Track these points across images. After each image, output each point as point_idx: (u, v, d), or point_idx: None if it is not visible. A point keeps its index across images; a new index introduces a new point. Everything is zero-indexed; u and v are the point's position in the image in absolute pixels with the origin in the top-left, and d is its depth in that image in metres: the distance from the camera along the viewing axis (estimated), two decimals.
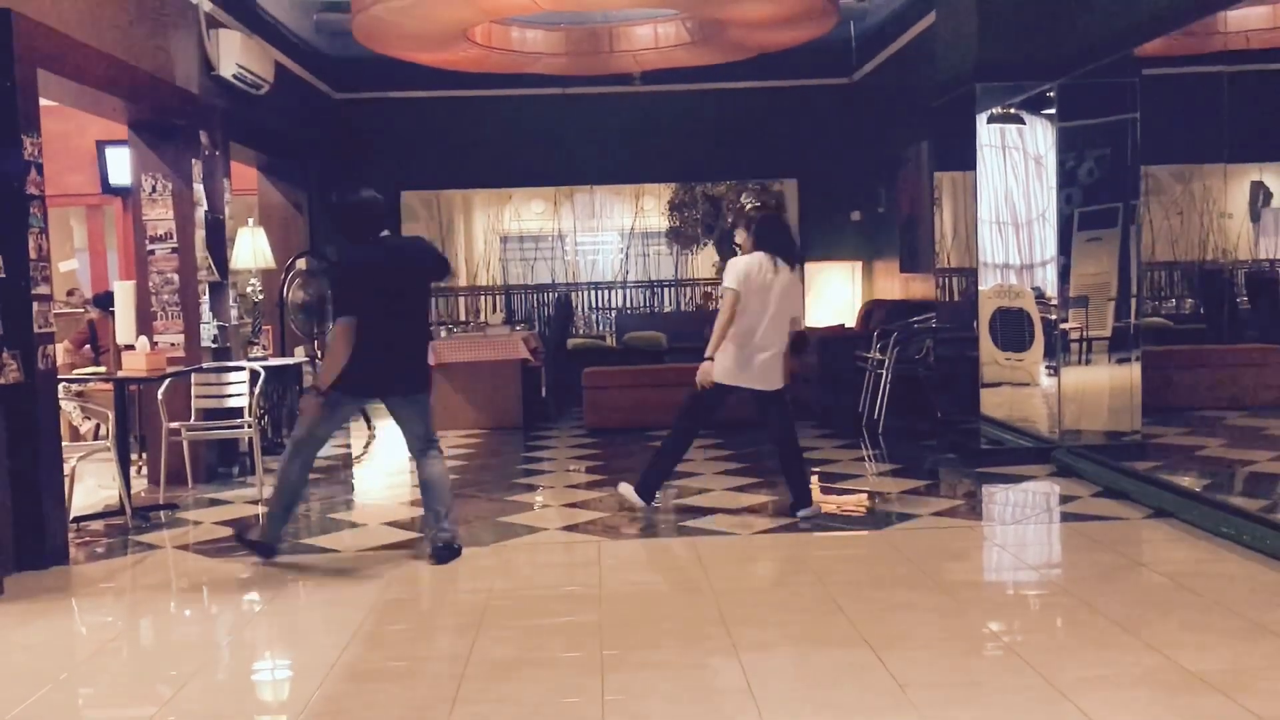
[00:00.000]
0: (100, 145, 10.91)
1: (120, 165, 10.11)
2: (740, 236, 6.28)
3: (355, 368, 5.26)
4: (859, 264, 12.52)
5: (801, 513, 6.04)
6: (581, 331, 12.79)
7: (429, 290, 5.54)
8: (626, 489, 6.34)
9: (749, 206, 6.09)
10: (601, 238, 13.79)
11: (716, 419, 6.52)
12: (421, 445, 5.58)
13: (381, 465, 8.82)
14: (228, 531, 6.17)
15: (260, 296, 8.95)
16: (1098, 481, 6.60)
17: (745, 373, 6.06)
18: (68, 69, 6.04)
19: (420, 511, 6.65)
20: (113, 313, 6.99)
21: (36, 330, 5.46)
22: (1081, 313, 7.79)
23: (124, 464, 6.50)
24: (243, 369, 7.37)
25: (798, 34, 9.65)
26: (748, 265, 6.05)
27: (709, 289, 13.16)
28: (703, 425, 6.44)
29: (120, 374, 6.63)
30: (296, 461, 5.45)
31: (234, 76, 8.32)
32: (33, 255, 5.45)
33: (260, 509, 6.78)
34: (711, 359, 6.03)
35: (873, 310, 11.01)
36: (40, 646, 4.36)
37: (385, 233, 5.59)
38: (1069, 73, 7.44)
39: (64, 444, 6.00)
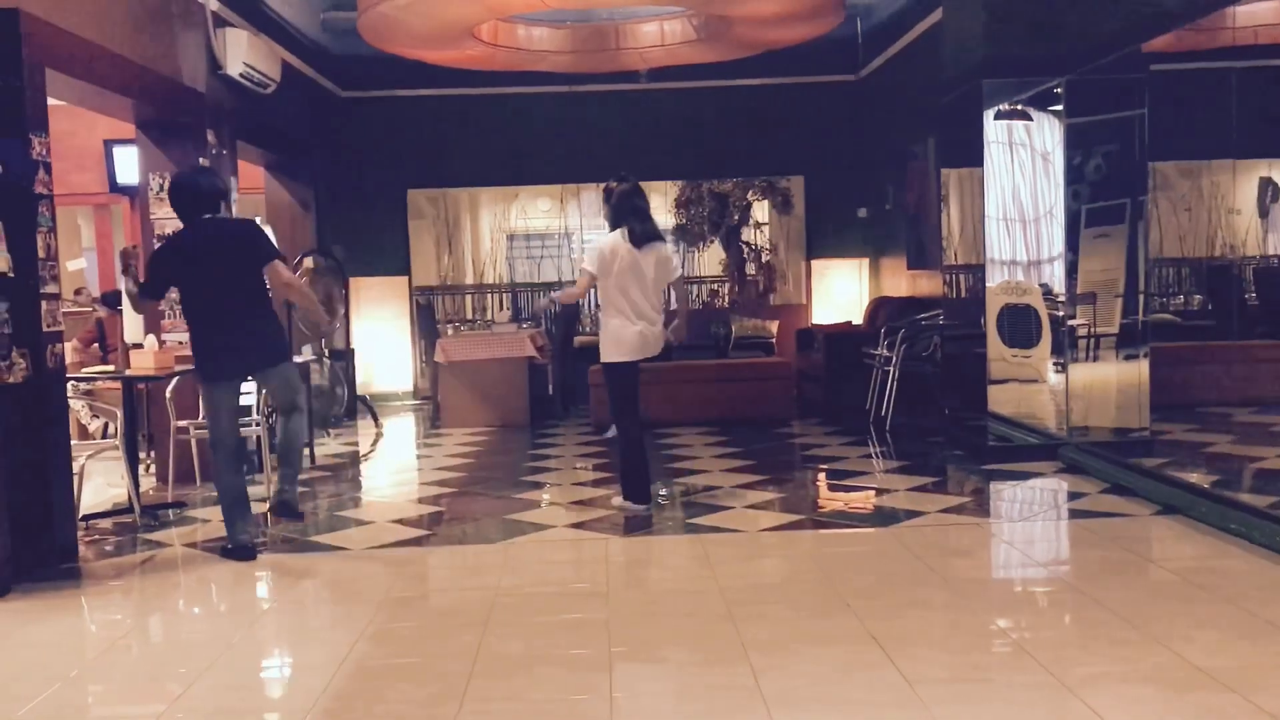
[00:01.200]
0: (108, 144, 10.94)
1: (128, 164, 10.16)
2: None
3: (201, 352, 5.54)
4: (866, 261, 12.51)
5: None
6: (588, 329, 12.79)
7: (254, 271, 5.62)
8: (620, 502, 6.38)
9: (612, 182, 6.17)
10: (607, 235, 13.79)
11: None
12: (286, 408, 5.76)
13: (389, 463, 8.83)
14: None
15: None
16: (1106, 478, 6.59)
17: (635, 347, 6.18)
18: (75, 68, 6.05)
19: (425, 510, 6.67)
20: (120, 311, 7.00)
21: (45, 329, 5.48)
22: (1089, 309, 7.78)
23: (132, 462, 6.51)
24: None
25: (804, 31, 9.64)
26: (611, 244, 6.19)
27: (716, 286, 13.16)
28: (636, 410, 6.37)
29: (128, 372, 6.64)
30: (218, 460, 5.63)
31: (241, 75, 8.33)
32: (41, 254, 5.47)
33: (266, 507, 6.80)
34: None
35: (880, 307, 11.00)
36: (50, 644, 4.38)
37: (208, 215, 5.65)
38: (1076, 68, 7.42)
39: (72, 442, 6.02)
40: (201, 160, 5.84)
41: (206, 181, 5.70)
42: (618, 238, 6.19)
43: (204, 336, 5.52)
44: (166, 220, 7.63)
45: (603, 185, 6.39)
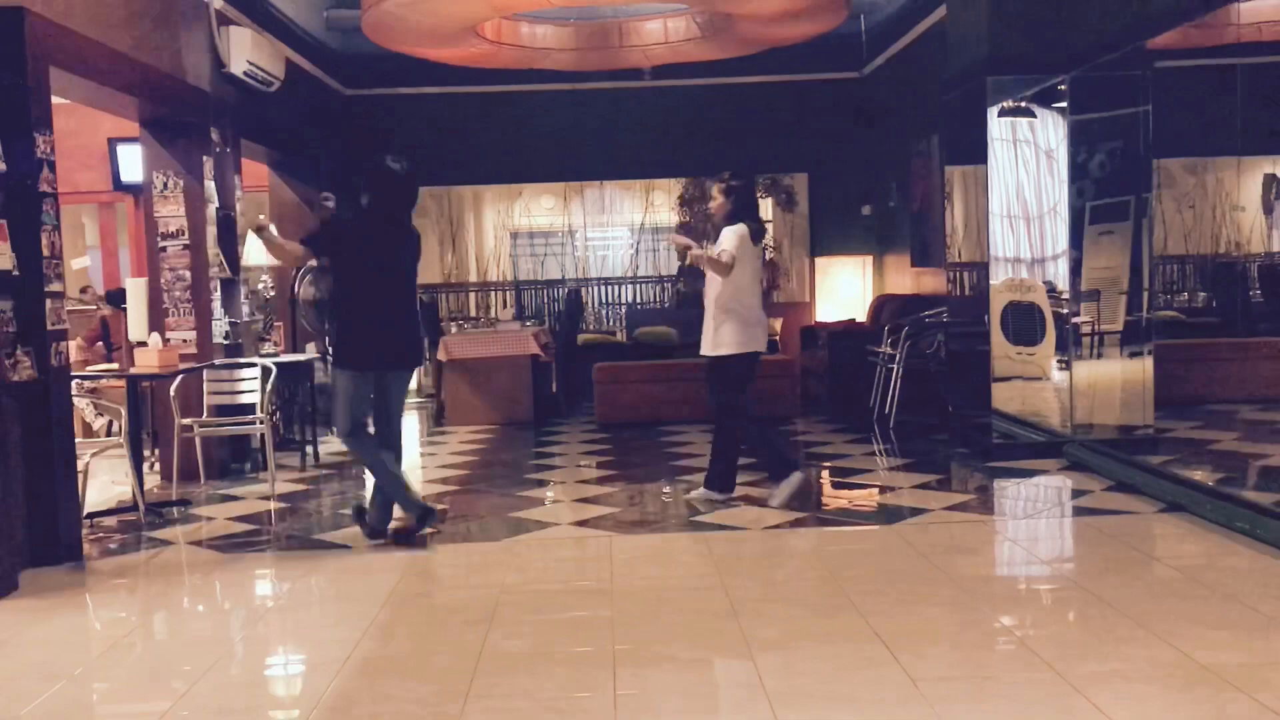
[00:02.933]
0: (112, 142, 10.94)
1: (132, 162, 10.15)
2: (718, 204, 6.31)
3: (353, 339, 5.56)
4: (870, 258, 12.50)
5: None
6: (592, 327, 12.79)
7: (413, 274, 5.83)
8: (700, 493, 6.38)
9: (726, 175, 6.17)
10: (612, 233, 13.78)
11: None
12: (393, 414, 5.78)
13: None
14: (241, 527, 6.20)
15: (272, 293, 8.97)
16: (1110, 476, 6.59)
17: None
18: (79, 67, 6.06)
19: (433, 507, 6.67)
20: (125, 309, 7.01)
21: (49, 327, 5.48)
22: (1093, 306, 7.77)
23: (137, 460, 6.52)
24: (255, 365, 7.39)
25: (808, 28, 9.63)
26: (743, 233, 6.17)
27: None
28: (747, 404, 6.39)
29: (133, 370, 6.65)
30: (356, 448, 5.66)
31: (245, 73, 8.33)
32: (45, 253, 5.47)
33: (271, 505, 6.81)
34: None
35: (884, 305, 11.00)
36: (55, 642, 4.38)
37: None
38: (1081, 65, 7.41)
39: (77, 440, 6.03)
40: (393, 163, 5.76)
41: (409, 183, 5.75)
42: (744, 230, 6.16)
43: (364, 327, 5.50)
44: (171, 218, 7.65)
45: (719, 177, 6.35)
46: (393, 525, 5.72)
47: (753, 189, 6.46)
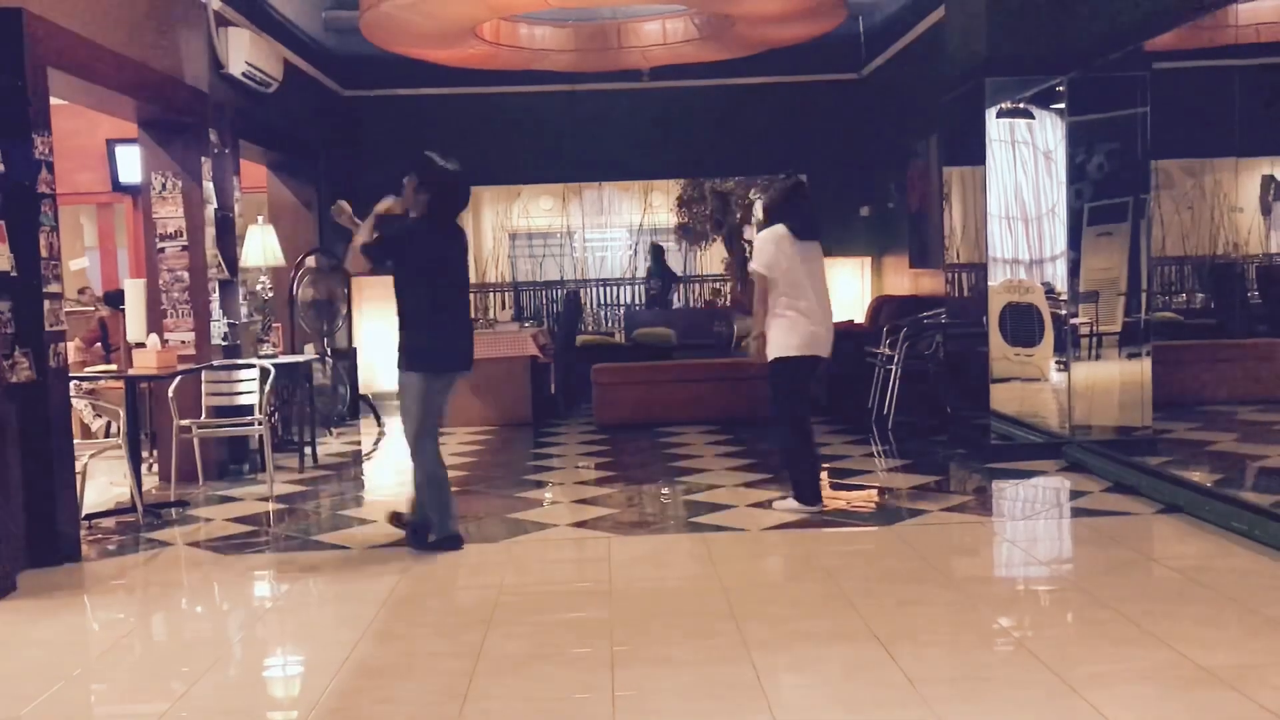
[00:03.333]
0: (110, 143, 10.94)
1: (130, 163, 10.15)
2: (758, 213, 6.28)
3: (426, 344, 5.57)
4: (868, 259, 12.50)
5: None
6: (590, 328, 12.80)
7: (468, 279, 5.91)
8: (786, 504, 6.16)
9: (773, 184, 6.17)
10: (610, 234, 13.80)
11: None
12: (439, 419, 5.76)
13: (391, 462, 8.84)
14: (239, 528, 6.20)
15: (270, 294, 8.97)
16: (1108, 476, 6.59)
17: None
18: (78, 68, 6.06)
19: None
20: (123, 310, 7.02)
21: (48, 328, 5.48)
22: (1092, 308, 7.77)
23: (135, 461, 6.52)
24: (253, 366, 7.39)
25: (806, 29, 9.64)
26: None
27: (718, 285, 13.16)
28: (803, 410, 6.25)
29: (131, 372, 6.65)
30: (425, 451, 5.59)
31: (243, 74, 8.34)
32: (43, 253, 5.47)
33: (270, 506, 6.81)
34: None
35: (882, 306, 11.00)
36: (53, 643, 4.38)
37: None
38: (1079, 67, 7.41)
39: (75, 441, 6.02)
40: (447, 163, 5.80)
41: (467, 185, 5.80)
42: (778, 231, 6.09)
43: (436, 329, 5.52)
44: (169, 219, 7.65)
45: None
46: (408, 516, 5.68)
47: (792, 188, 6.32)
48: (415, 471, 5.60)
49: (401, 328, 5.58)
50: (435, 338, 5.53)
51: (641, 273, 13.37)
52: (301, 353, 9.28)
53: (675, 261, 13.49)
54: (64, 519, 5.53)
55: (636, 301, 13.25)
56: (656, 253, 13.00)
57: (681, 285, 13.50)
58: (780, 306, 6.04)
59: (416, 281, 5.54)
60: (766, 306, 6.06)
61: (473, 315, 5.53)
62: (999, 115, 8.45)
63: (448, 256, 5.62)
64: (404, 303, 5.58)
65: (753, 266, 6.10)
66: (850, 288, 12.55)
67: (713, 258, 13.32)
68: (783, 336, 6.03)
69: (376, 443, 9.64)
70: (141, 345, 6.77)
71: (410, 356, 5.53)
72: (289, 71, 9.40)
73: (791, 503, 6.13)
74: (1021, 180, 8.49)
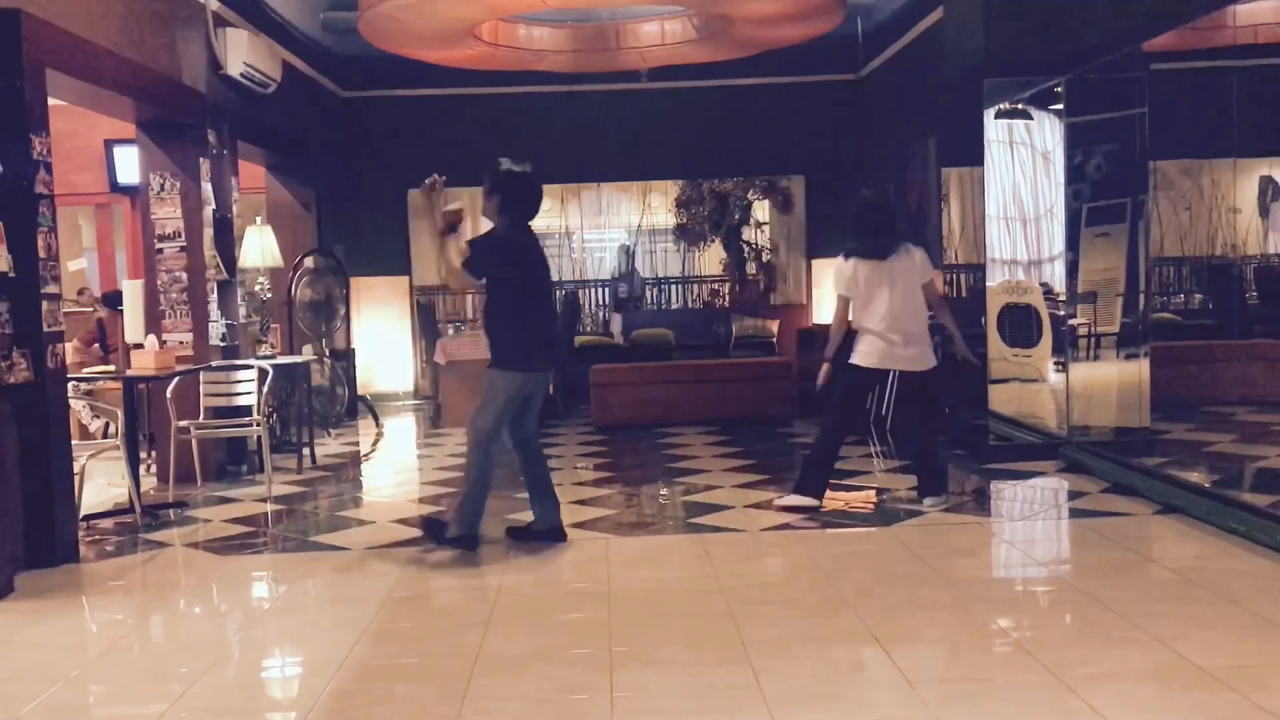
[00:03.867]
0: (108, 144, 10.94)
1: (128, 164, 10.15)
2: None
3: (519, 344, 5.61)
4: (831, 334, 12.48)
5: (927, 500, 6.16)
6: (589, 329, 12.80)
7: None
8: (786, 500, 6.21)
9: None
10: (608, 235, 13.79)
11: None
12: (536, 414, 5.84)
13: (390, 463, 8.84)
14: (238, 529, 6.19)
15: (268, 295, 8.97)
16: (1106, 477, 6.59)
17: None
18: (76, 68, 6.05)
19: (426, 510, 6.68)
20: (121, 311, 7.01)
21: (46, 329, 5.48)
22: (1090, 308, 7.77)
23: (133, 462, 6.51)
24: (251, 367, 7.38)
25: (804, 30, 9.63)
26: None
27: (716, 286, 13.16)
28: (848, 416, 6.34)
29: (129, 372, 6.65)
30: (491, 451, 5.60)
31: (241, 75, 8.33)
32: (41, 254, 5.47)
33: (268, 507, 6.81)
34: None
35: None
36: (51, 644, 4.38)
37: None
38: (1077, 68, 7.42)
39: (73, 442, 6.02)
40: (522, 168, 5.85)
41: (539, 186, 5.87)
42: (841, 262, 6.21)
43: (525, 331, 5.56)
44: (167, 220, 7.65)
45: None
46: (443, 515, 5.68)
47: (868, 205, 6.25)
48: (469, 465, 5.61)
49: (492, 330, 5.65)
50: (525, 339, 5.57)
51: (641, 274, 13.37)
52: (300, 353, 9.28)
53: (674, 263, 13.47)
54: (62, 520, 5.53)
55: (604, 303, 13.16)
56: (624, 254, 12.84)
57: (680, 286, 13.49)
58: (860, 323, 6.21)
59: (507, 288, 5.60)
60: (838, 329, 6.27)
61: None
62: (997, 116, 8.45)
63: (532, 260, 5.69)
64: (494, 307, 5.67)
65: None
66: None
67: (711, 259, 13.31)
68: (859, 346, 6.20)
69: (375, 444, 9.63)
70: (140, 346, 6.77)
71: (503, 356, 5.60)
72: (287, 72, 9.40)
73: (793, 497, 6.15)
74: (1020, 181, 8.49)
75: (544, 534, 5.68)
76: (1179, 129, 7.22)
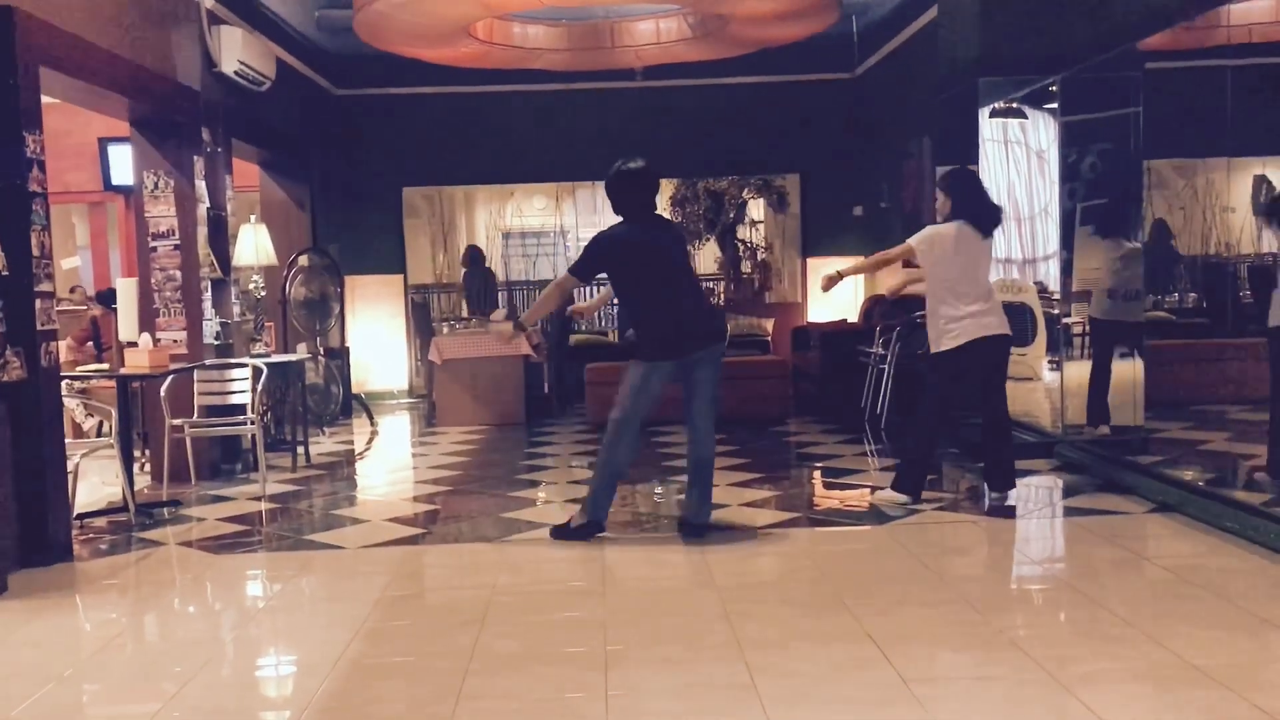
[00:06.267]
0: (102, 142, 10.92)
1: (122, 162, 10.13)
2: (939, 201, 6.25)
3: (661, 332, 5.63)
4: (861, 259, 12.49)
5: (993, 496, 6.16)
6: (584, 327, 12.79)
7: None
8: (885, 495, 6.21)
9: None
10: None
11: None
12: (710, 397, 5.73)
13: (384, 462, 8.83)
14: (232, 528, 6.18)
15: (263, 293, 8.95)
16: (1101, 476, 6.60)
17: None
18: (70, 66, 6.04)
19: (421, 509, 6.68)
20: (115, 309, 6.99)
21: (39, 327, 5.47)
22: (1084, 307, 7.78)
23: (127, 461, 6.50)
24: (245, 366, 7.37)
25: (800, 29, 9.63)
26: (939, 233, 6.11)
27: (711, 284, 13.15)
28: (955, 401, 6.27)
29: (123, 371, 6.63)
30: (626, 436, 5.62)
31: (236, 73, 8.32)
32: (35, 252, 5.46)
33: (262, 506, 6.80)
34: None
35: (875, 305, 11.00)
36: (44, 643, 4.37)
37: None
38: (1072, 67, 7.43)
39: (67, 441, 6.01)
40: (634, 164, 5.93)
41: (642, 176, 5.87)
42: (944, 229, 6.15)
43: (659, 322, 5.57)
44: (161, 218, 7.64)
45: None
46: (574, 522, 5.69)
47: (965, 181, 6.27)
48: (602, 452, 5.65)
49: (633, 325, 5.83)
50: (658, 329, 5.59)
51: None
52: (294, 352, 9.27)
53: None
54: (56, 519, 5.52)
55: (453, 309, 12.85)
56: (474, 256, 12.41)
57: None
58: (928, 303, 6.20)
59: (627, 281, 5.69)
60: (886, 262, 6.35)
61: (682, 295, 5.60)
62: (992, 115, 8.46)
63: (656, 249, 5.66)
64: (623, 302, 5.87)
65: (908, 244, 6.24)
66: (843, 287, 12.50)
67: (706, 257, 13.31)
68: (929, 331, 6.18)
69: (369, 442, 9.62)
70: (134, 344, 6.75)
71: (638, 348, 5.68)
72: (282, 70, 9.38)
73: (891, 493, 6.17)
74: (1014, 180, 8.50)
75: (584, 528, 5.65)
76: (1173, 128, 7.23)
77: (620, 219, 5.77)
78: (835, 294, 12.27)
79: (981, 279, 6.09)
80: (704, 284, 13.25)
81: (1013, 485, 6.18)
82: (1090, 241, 7.60)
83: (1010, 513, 6.00)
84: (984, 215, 6.10)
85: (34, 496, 5.40)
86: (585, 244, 5.80)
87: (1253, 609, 4.17)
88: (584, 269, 5.67)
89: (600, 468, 5.66)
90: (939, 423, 6.25)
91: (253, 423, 7.21)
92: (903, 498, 6.12)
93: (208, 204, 7.83)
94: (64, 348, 7.94)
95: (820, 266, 12.58)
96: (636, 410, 5.57)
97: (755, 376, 10.00)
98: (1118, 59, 6.91)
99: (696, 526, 5.64)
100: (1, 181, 5.33)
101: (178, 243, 7.63)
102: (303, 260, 10.10)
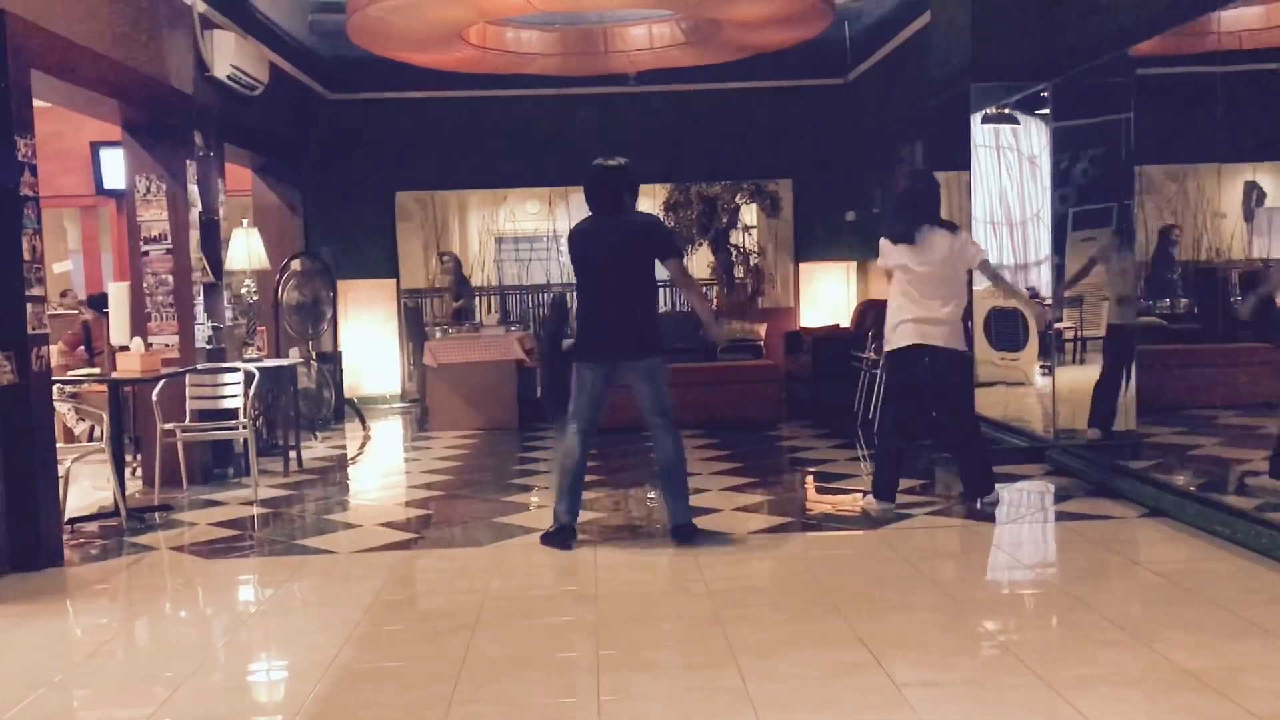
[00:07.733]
0: (94, 146, 10.90)
1: (114, 166, 10.12)
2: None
3: (580, 332, 5.73)
4: (853, 264, 12.53)
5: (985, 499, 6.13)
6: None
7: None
8: (865, 502, 6.21)
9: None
10: None
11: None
12: (655, 409, 5.83)
13: (377, 466, 8.81)
14: (223, 532, 6.17)
15: (255, 297, 8.94)
16: (1092, 480, 6.61)
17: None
18: (61, 70, 6.03)
19: (413, 514, 6.67)
20: (107, 314, 6.98)
21: (30, 332, 5.45)
22: (1076, 312, 7.80)
23: (118, 465, 6.48)
24: (237, 370, 7.36)
25: (792, 34, 9.66)
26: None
27: (704, 289, 13.14)
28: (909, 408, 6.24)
29: (115, 375, 6.61)
30: (565, 439, 5.74)
31: (228, 77, 8.30)
32: (26, 256, 5.44)
33: (254, 510, 6.79)
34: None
35: (867, 310, 11.01)
36: (35, 648, 4.35)
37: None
38: (1063, 72, 7.45)
39: (58, 445, 5.99)
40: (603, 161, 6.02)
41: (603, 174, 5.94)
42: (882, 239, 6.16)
43: (590, 320, 5.66)
44: (153, 223, 7.62)
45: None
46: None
47: (913, 188, 6.24)
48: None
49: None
50: (580, 328, 5.71)
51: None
52: (286, 356, 9.25)
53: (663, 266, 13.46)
54: (46, 523, 5.50)
55: (438, 316, 12.81)
56: (453, 263, 12.31)
57: (668, 289, 13.49)
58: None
59: (581, 277, 5.74)
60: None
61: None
62: (984, 120, 8.48)
63: (586, 248, 5.69)
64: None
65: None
66: (836, 292, 12.58)
67: (699, 262, 13.31)
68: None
69: (362, 447, 9.61)
70: (125, 348, 6.74)
71: (575, 345, 5.81)
72: (274, 74, 9.37)
73: (870, 500, 6.17)
74: (1006, 185, 8.52)
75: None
76: (1164, 134, 7.25)
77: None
78: (828, 299, 12.43)
79: (932, 288, 5.94)
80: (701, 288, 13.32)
81: (989, 490, 6.16)
82: (1089, 247, 7.61)
83: (990, 517, 6.00)
84: (890, 225, 6.11)
85: (25, 501, 5.38)
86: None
87: (1244, 613, 4.18)
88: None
89: (553, 469, 5.66)
90: (892, 425, 6.24)
91: (245, 427, 7.20)
92: (879, 504, 6.10)
93: (200, 208, 7.81)
94: (55, 352, 7.92)
95: (813, 271, 12.62)
96: (577, 409, 5.67)
97: (747, 381, 10.00)
98: (1109, 65, 6.93)
99: (686, 530, 5.63)
100: None
101: (170, 247, 7.62)
102: (295, 264, 10.09)
